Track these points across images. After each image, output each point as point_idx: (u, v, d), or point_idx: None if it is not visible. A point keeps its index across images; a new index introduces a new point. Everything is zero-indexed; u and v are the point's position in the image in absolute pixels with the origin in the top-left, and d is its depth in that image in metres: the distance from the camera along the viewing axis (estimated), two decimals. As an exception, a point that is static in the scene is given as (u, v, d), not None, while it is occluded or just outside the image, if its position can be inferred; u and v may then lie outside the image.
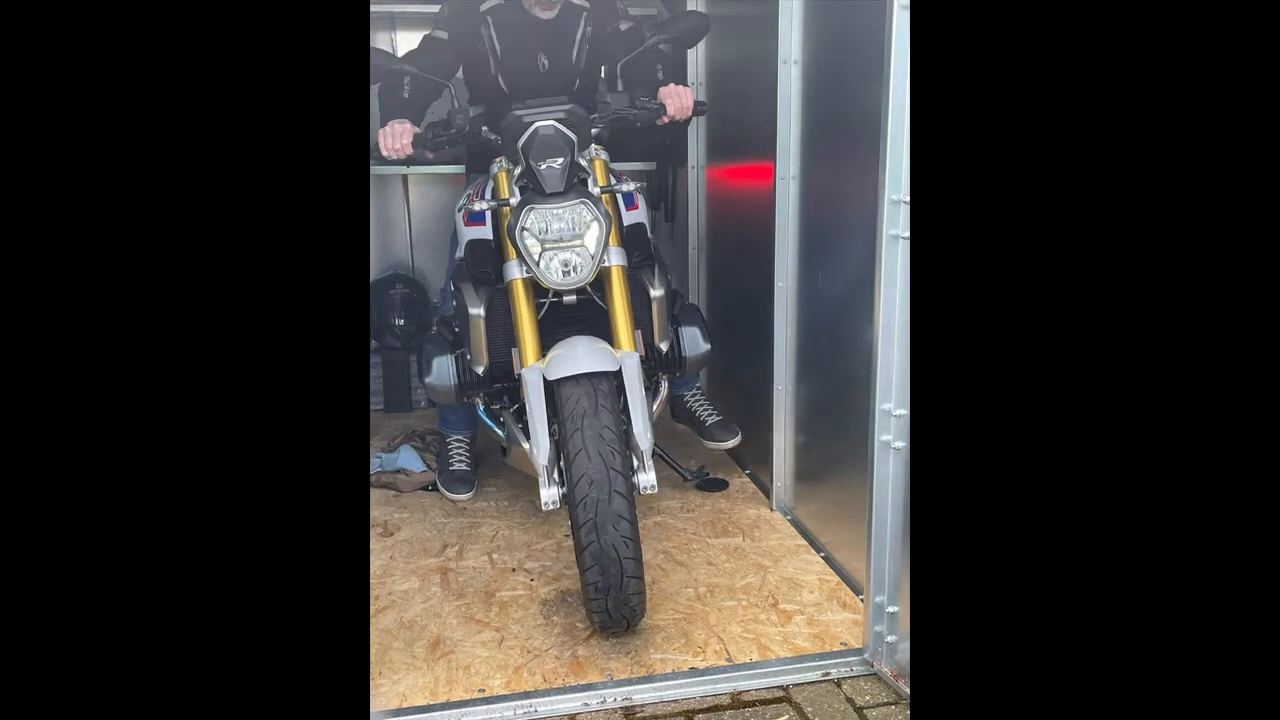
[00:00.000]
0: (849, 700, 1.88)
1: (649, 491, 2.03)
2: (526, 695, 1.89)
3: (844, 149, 2.22)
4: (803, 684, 1.93)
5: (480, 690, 1.90)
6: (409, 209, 3.90)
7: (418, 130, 2.33)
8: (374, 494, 2.89)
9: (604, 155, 2.34)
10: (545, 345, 2.14)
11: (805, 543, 2.53)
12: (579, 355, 2.03)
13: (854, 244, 2.15)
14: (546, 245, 2.06)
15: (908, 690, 1.86)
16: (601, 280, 2.20)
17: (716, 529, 2.63)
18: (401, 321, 3.70)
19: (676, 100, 2.38)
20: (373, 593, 2.29)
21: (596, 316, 2.24)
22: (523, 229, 2.06)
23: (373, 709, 1.83)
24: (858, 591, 2.23)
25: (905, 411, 1.82)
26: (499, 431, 2.43)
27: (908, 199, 1.73)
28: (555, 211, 2.05)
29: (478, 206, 2.23)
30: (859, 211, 2.06)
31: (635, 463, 2.05)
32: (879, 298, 1.81)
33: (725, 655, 2.01)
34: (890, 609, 1.92)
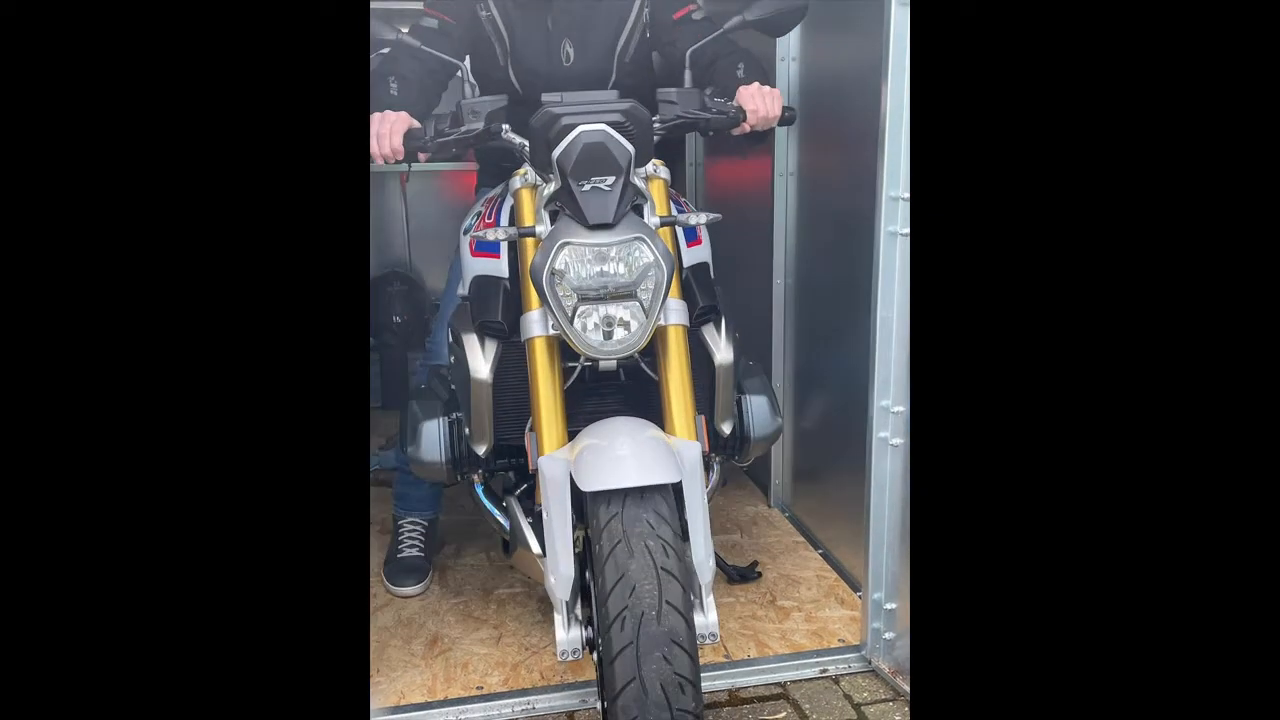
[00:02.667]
0: (847, 697, 1.88)
1: (709, 642, 1.50)
2: (524, 692, 1.89)
3: (842, 145, 2.22)
4: (800, 681, 1.93)
5: (478, 688, 1.91)
6: (407, 206, 3.89)
7: (414, 124, 1.74)
8: (371, 492, 2.89)
9: (664, 173, 1.73)
10: (571, 419, 1.62)
11: (803, 539, 2.53)
12: (623, 456, 1.48)
13: (851, 240, 2.15)
14: (585, 296, 1.49)
15: (905, 687, 1.86)
16: (654, 342, 1.62)
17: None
18: (399, 319, 3.70)
19: (760, 105, 1.80)
20: (371, 590, 2.29)
21: (642, 387, 1.73)
22: (553, 272, 1.47)
23: (372, 706, 1.83)
24: (855, 588, 2.23)
25: (903, 408, 1.82)
26: (500, 519, 1.84)
27: (906, 196, 1.73)
28: (600, 250, 1.47)
29: (491, 235, 1.61)
30: (857, 208, 2.05)
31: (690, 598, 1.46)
32: (877, 294, 1.82)
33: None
34: (888, 606, 1.92)
